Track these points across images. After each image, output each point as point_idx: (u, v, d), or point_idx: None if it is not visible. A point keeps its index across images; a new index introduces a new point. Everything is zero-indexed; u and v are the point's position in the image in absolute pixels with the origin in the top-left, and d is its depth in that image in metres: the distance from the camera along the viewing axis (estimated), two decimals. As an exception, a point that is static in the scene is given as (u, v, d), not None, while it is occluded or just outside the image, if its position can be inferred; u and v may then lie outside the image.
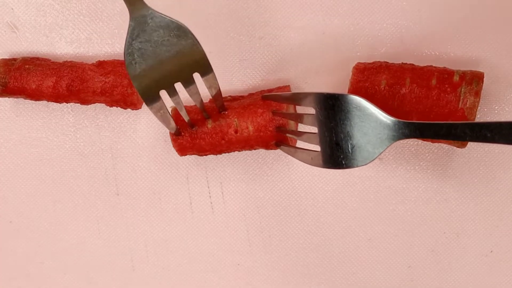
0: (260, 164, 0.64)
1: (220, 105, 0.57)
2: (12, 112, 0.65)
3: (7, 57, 0.64)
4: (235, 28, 0.61)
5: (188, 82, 0.54)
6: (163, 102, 0.55)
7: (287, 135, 0.57)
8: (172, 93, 0.54)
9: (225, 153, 0.60)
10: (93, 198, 0.66)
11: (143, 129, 0.64)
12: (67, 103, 0.62)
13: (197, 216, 0.65)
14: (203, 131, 0.59)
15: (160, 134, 0.64)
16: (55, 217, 0.67)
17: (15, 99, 0.65)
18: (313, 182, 0.63)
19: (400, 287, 0.64)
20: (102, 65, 0.61)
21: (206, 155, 0.61)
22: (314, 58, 0.61)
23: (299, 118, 0.56)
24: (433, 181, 0.62)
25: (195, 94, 0.55)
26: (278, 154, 0.63)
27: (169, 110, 0.57)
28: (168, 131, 0.63)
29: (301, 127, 0.60)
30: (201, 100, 0.56)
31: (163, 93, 0.54)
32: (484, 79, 0.57)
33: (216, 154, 0.60)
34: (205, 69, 0.53)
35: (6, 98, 0.65)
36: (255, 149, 0.60)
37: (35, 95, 0.61)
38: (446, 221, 0.62)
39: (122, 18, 0.62)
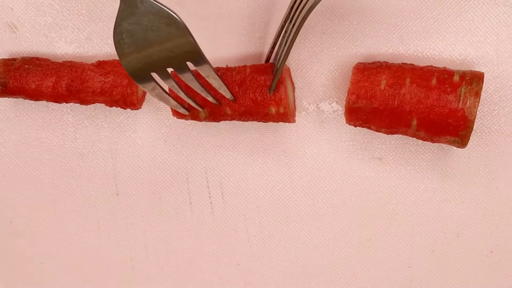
0: (260, 164, 0.64)
1: (228, 94, 0.56)
2: (12, 112, 0.65)
3: (7, 57, 0.64)
4: (235, 28, 0.61)
5: (181, 69, 0.52)
6: (157, 82, 0.53)
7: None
8: (165, 76, 0.53)
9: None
10: (92, 198, 0.66)
11: (142, 129, 0.64)
12: (66, 103, 0.62)
13: (197, 216, 0.65)
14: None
15: (160, 134, 0.64)
16: (55, 217, 0.67)
17: (15, 99, 0.65)
18: (313, 182, 0.63)
19: (400, 287, 0.64)
20: (101, 65, 0.61)
21: (200, 120, 0.60)
22: (313, 58, 0.61)
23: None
24: (433, 181, 0.62)
25: (191, 81, 0.53)
26: (278, 154, 0.63)
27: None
28: (163, 132, 0.63)
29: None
30: (201, 86, 0.54)
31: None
32: (484, 79, 0.57)
33: (211, 119, 0.60)
34: (198, 58, 0.52)
35: (6, 98, 0.65)
36: (251, 111, 0.58)
37: (34, 95, 0.61)
38: (446, 221, 0.62)
39: (121, 18, 0.62)
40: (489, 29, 0.58)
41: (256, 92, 0.57)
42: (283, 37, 0.56)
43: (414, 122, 0.55)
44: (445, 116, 0.54)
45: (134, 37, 0.51)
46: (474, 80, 0.54)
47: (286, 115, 0.58)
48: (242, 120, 0.60)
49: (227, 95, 0.56)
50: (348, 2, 0.60)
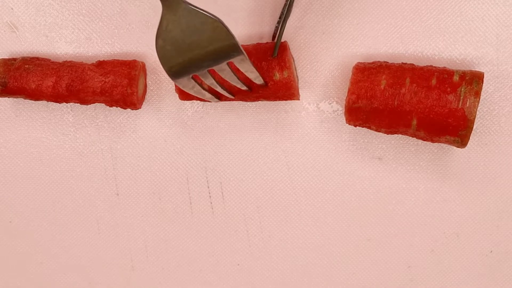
0: (260, 164, 0.64)
1: (260, 80, 0.57)
2: (12, 112, 0.65)
3: (7, 57, 0.64)
4: (235, 28, 0.61)
5: (221, 69, 0.54)
6: (195, 82, 0.55)
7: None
8: (205, 76, 0.55)
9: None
10: (92, 198, 0.66)
11: (142, 129, 0.64)
12: (66, 103, 0.62)
13: (197, 216, 0.65)
14: None
15: (160, 134, 0.64)
16: (55, 217, 0.67)
17: (15, 99, 0.65)
18: (313, 182, 0.63)
19: (400, 287, 0.64)
20: (101, 65, 0.61)
21: (204, 97, 0.59)
22: (314, 58, 0.61)
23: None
24: (433, 181, 0.62)
25: (230, 77, 0.55)
26: (278, 154, 0.63)
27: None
28: (163, 132, 0.64)
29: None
30: (238, 80, 0.56)
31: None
32: (484, 79, 0.57)
33: (213, 94, 0.60)
34: (239, 57, 0.53)
35: (6, 98, 0.65)
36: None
37: (34, 95, 0.61)
38: (446, 221, 0.62)
39: (121, 18, 0.62)
40: (489, 29, 0.58)
41: (260, 56, 0.58)
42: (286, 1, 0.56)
43: (414, 122, 0.55)
44: (445, 116, 0.54)
45: (176, 43, 0.52)
46: (474, 80, 0.54)
47: (290, 83, 0.58)
48: (245, 99, 0.59)
49: (260, 82, 0.57)
50: (348, 2, 0.60)
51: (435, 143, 0.60)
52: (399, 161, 0.62)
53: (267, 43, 0.59)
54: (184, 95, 0.60)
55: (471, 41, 0.58)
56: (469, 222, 0.62)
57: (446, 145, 0.60)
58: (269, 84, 0.58)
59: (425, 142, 0.60)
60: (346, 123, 0.58)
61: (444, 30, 0.58)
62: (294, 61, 0.61)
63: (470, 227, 0.62)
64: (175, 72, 0.54)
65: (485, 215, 0.62)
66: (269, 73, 0.58)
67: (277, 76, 0.57)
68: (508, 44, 0.58)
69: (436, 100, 0.54)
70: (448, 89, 0.54)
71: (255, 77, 0.56)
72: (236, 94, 0.59)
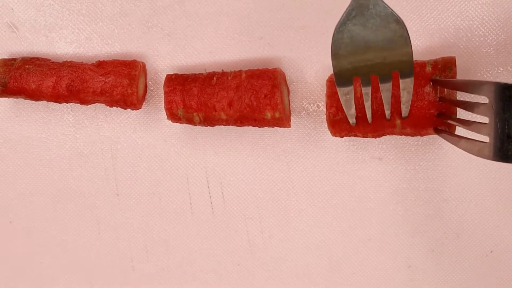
0: (260, 164, 0.64)
1: (406, 110, 0.55)
2: (12, 112, 0.65)
3: (7, 57, 0.64)
4: (235, 28, 0.61)
5: (384, 78, 0.52)
6: (353, 88, 0.53)
7: (449, 121, 0.54)
8: (366, 83, 0.52)
9: (211, 121, 0.59)
10: (93, 198, 0.66)
11: (143, 129, 0.64)
12: (67, 103, 0.62)
13: (197, 217, 0.65)
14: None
15: (160, 134, 0.64)
16: (55, 217, 0.67)
17: (15, 99, 0.65)
18: (313, 182, 0.63)
19: (400, 287, 0.64)
20: (102, 65, 0.61)
21: (195, 124, 0.60)
22: (314, 59, 0.61)
23: (469, 106, 0.52)
24: (433, 181, 0.62)
25: (386, 91, 0.53)
26: (278, 154, 0.63)
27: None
28: (163, 132, 0.64)
29: (463, 116, 0.56)
30: (390, 99, 0.53)
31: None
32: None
33: (205, 125, 0.60)
34: (407, 70, 0.51)
35: (6, 98, 0.65)
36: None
37: (35, 95, 0.61)
38: (446, 221, 0.62)
39: (122, 18, 0.62)
40: (489, 29, 0.58)
41: (252, 97, 0.58)
42: None
43: (398, 122, 0.55)
44: (426, 108, 0.54)
45: (354, 38, 0.50)
46: (447, 67, 0.54)
47: (281, 120, 0.58)
48: (236, 125, 0.60)
49: (405, 112, 0.55)
50: (348, 2, 0.59)
51: (435, 144, 0.60)
52: (399, 161, 0.62)
53: (259, 70, 0.59)
54: (174, 117, 0.60)
55: (470, 41, 0.58)
56: (469, 222, 0.62)
57: (446, 145, 0.60)
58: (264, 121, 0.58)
59: (425, 142, 0.60)
60: (332, 135, 0.58)
61: (444, 30, 0.58)
62: (288, 88, 0.61)
63: (470, 227, 0.62)
64: (341, 70, 0.51)
65: (485, 215, 0.62)
66: (259, 113, 0.58)
67: (268, 116, 0.58)
68: (508, 44, 0.58)
69: (413, 95, 0.54)
70: (422, 82, 0.54)
71: (406, 101, 0.53)
72: (374, 119, 0.56)
